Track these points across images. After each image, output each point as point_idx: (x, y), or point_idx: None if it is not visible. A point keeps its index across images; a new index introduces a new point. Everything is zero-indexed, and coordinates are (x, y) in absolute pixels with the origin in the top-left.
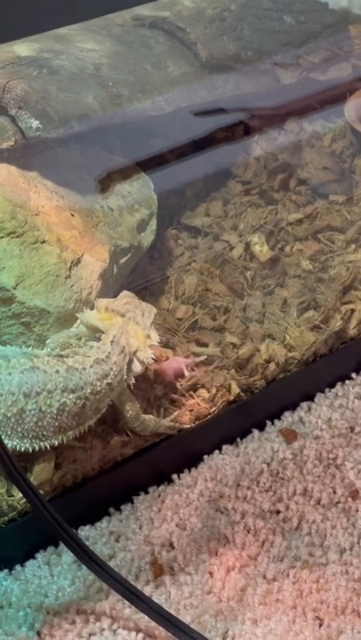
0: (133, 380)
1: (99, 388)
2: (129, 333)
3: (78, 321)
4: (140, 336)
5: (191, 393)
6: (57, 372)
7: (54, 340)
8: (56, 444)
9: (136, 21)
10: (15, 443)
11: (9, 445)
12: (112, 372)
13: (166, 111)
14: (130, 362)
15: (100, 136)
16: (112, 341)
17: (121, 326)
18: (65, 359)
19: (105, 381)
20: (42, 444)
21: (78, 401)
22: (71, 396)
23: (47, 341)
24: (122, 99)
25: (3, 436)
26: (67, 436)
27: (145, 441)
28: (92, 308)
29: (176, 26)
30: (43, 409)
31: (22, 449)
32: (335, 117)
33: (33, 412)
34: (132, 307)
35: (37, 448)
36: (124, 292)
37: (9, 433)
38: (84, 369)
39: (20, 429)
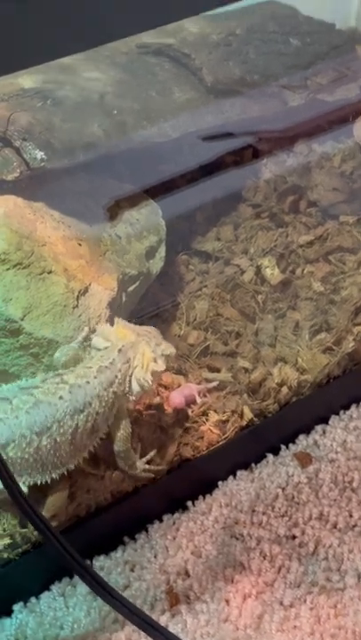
0: (134, 398)
1: (106, 398)
2: (137, 350)
3: (81, 335)
4: (147, 357)
5: (203, 419)
6: (60, 397)
7: (64, 354)
8: (72, 467)
9: (141, 49)
10: (37, 478)
11: (31, 482)
12: (117, 380)
13: (172, 137)
14: (131, 376)
15: (106, 164)
16: (120, 350)
17: (133, 342)
18: (64, 377)
19: (111, 389)
20: (61, 470)
21: (89, 418)
22: (81, 417)
23: (56, 356)
24: (127, 126)
25: (24, 475)
26: (82, 456)
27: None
28: (111, 324)
29: (181, 52)
30: (57, 439)
31: (44, 481)
32: (344, 138)
33: (49, 446)
34: (151, 336)
35: (57, 476)
36: (151, 327)
37: (29, 472)
38: (88, 382)
39: (39, 465)
